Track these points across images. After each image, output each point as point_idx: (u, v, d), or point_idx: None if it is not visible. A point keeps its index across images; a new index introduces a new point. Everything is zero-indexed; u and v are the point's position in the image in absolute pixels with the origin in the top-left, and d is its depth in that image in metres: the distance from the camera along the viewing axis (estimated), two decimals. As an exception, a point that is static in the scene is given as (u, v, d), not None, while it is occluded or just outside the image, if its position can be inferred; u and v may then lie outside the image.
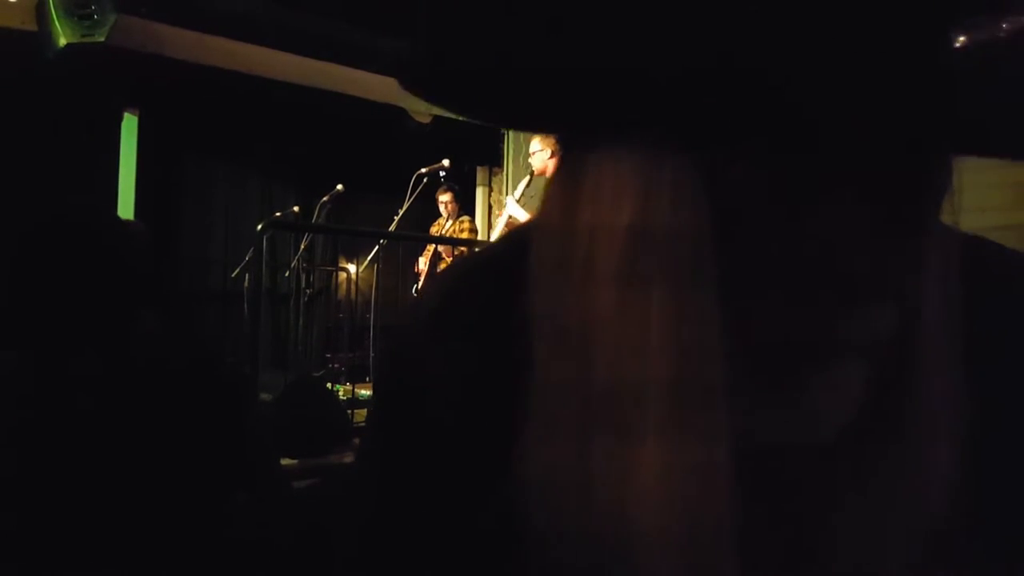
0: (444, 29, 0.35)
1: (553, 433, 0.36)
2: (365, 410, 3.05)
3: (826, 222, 0.33)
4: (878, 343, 0.36)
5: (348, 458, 3.10)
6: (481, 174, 7.18)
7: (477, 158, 6.86)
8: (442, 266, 4.83)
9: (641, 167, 0.34)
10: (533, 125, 0.40)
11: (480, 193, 7.16)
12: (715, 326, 0.34)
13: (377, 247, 4.75)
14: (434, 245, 5.03)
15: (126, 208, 5.16)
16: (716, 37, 0.29)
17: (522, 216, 4.18)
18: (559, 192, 0.38)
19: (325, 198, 5.03)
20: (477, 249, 0.52)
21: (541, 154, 4.03)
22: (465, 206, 5.52)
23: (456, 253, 4.73)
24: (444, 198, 5.12)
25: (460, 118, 0.39)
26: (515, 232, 0.48)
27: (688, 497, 0.34)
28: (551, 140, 3.76)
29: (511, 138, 5.45)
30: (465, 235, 4.96)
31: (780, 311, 0.35)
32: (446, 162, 4.95)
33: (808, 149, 0.32)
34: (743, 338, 0.35)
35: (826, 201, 0.33)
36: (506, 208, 4.44)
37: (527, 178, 4.27)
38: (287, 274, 6.30)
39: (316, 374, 4.74)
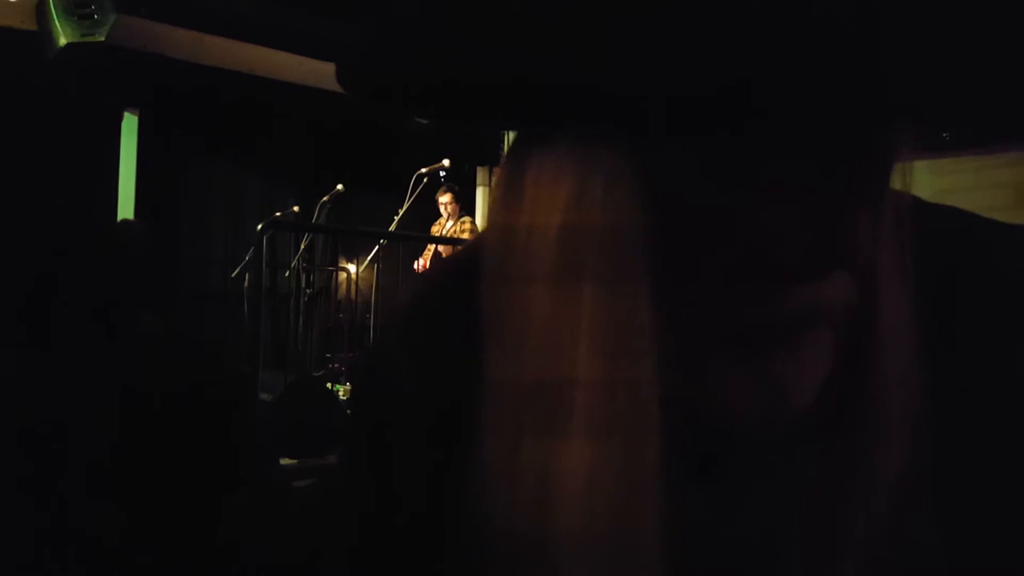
0: (385, 27, 0.35)
1: (490, 431, 0.36)
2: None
3: (760, 204, 0.33)
4: (834, 317, 0.35)
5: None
6: (481, 174, 7.17)
7: (477, 158, 6.86)
8: (442, 266, 4.82)
9: (575, 164, 0.34)
10: (467, 119, 0.40)
11: (480, 193, 7.16)
12: (646, 323, 0.34)
13: (377, 247, 4.75)
14: (434, 246, 5.03)
15: (126, 208, 5.16)
16: (644, 33, 0.29)
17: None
18: (503, 190, 0.39)
19: (325, 198, 5.03)
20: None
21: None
22: (465, 206, 5.52)
23: (456, 253, 4.73)
24: (444, 199, 5.12)
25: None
26: (477, 239, 0.48)
27: (613, 496, 0.34)
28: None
29: (511, 138, 5.44)
30: (467, 235, 4.96)
31: (723, 294, 0.34)
32: (446, 162, 4.95)
33: (737, 135, 0.32)
34: (689, 323, 0.34)
35: (760, 184, 0.33)
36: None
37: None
38: (287, 274, 6.30)
39: (316, 374, 4.74)
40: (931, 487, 0.36)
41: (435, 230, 5.19)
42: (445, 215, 5.13)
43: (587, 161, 0.34)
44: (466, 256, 0.48)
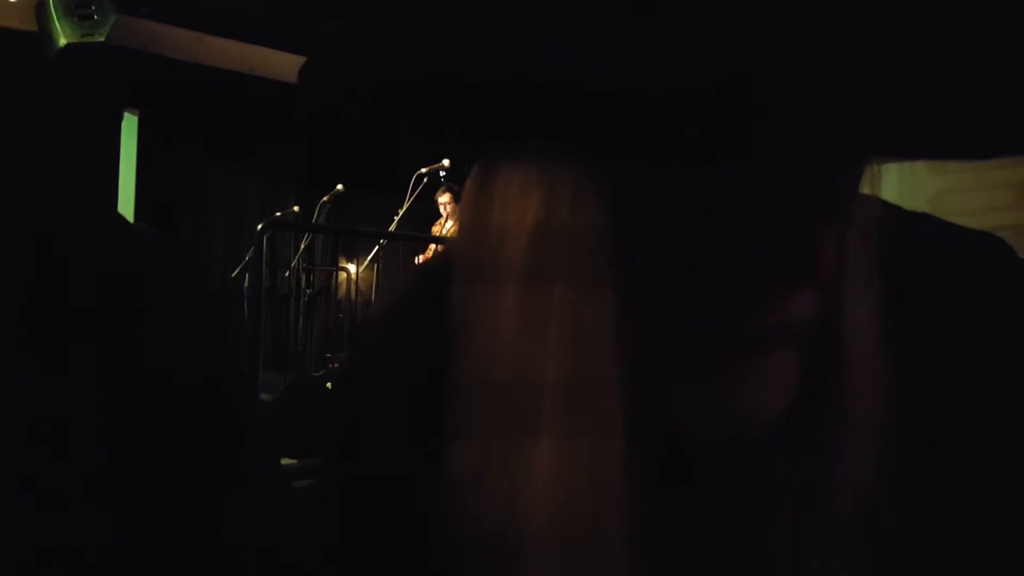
0: (358, 33, 0.35)
1: (460, 433, 0.37)
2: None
3: (726, 218, 0.32)
4: (801, 331, 0.35)
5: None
6: (481, 174, 7.16)
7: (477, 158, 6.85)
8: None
9: (545, 170, 0.35)
10: (435, 130, 0.39)
11: (480, 193, 7.14)
12: (611, 324, 0.34)
13: (377, 247, 4.75)
14: (434, 245, 5.03)
15: (126, 208, 5.16)
16: (611, 48, 0.28)
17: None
18: (473, 195, 0.39)
19: (325, 198, 5.03)
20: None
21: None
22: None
23: (456, 253, 4.72)
24: (444, 199, 5.11)
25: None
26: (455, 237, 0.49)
27: (580, 494, 0.34)
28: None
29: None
30: (466, 235, 4.96)
31: (688, 307, 0.34)
32: (446, 162, 4.94)
33: (703, 154, 0.31)
34: (655, 334, 0.34)
35: (724, 201, 0.32)
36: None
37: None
38: (287, 274, 6.30)
39: (316, 374, 4.74)
40: (897, 494, 0.36)
41: (435, 230, 5.19)
42: (445, 215, 5.13)
43: (553, 177, 0.34)
44: (443, 260, 0.48)
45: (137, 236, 1.33)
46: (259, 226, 3.39)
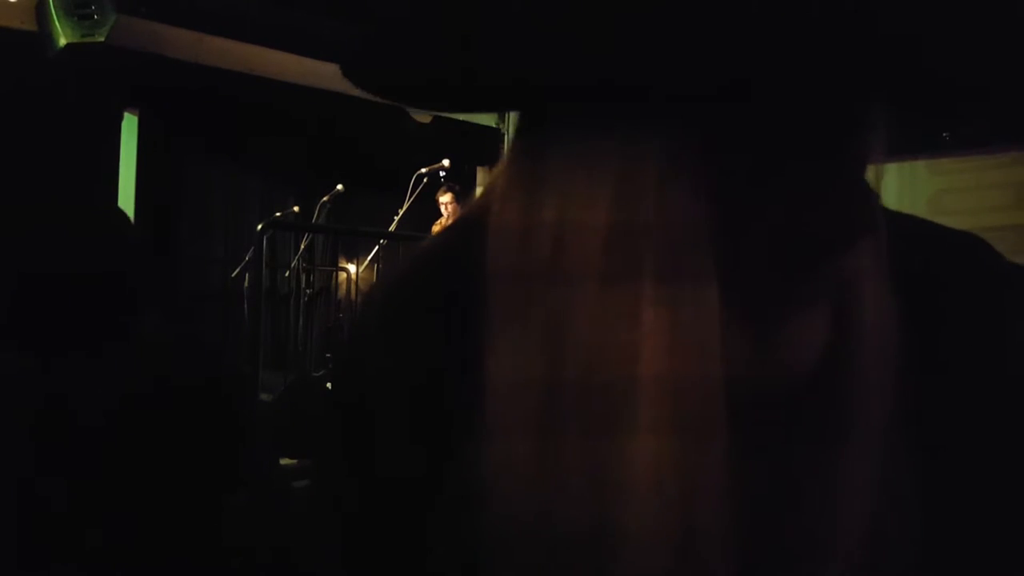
0: (397, 9, 0.34)
1: (514, 431, 0.35)
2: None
3: (791, 191, 0.34)
4: (836, 292, 0.38)
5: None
6: (481, 174, 7.16)
7: (477, 158, 6.86)
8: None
9: (616, 156, 0.33)
10: (493, 104, 0.38)
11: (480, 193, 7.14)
12: (714, 320, 0.33)
13: (377, 247, 4.75)
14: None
15: (126, 208, 5.15)
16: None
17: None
18: (515, 186, 0.37)
19: (325, 198, 5.03)
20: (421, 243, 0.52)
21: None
22: (465, 206, 5.51)
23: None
24: (444, 199, 5.11)
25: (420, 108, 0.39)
26: (458, 224, 0.47)
27: (684, 495, 0.33)
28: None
29: (511, 138, 5.45)
30: (466, 235, 4.95)
31: (763, 273, 0.36)
32: (446, 162, 4.94)
33: (775, 126, 0.32)
34: (743, 309, 0.36)
35: (790, 173, 0.34)
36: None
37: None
38: (287, 274, 6.30)
39: (316, 374, 4.74)
40: (909, 436, 0.38)
41: (435, 230, 5.18)
42: (445, 215, 5.13)
43: (630, 158, 0.33)
44: (440, 249, 0.47)
45: (124, 220, 1.33)
46: (259, 226, 3.39)
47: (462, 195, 5.31)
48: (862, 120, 0.34)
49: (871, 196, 0.36)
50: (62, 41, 4.22)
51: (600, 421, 0.34)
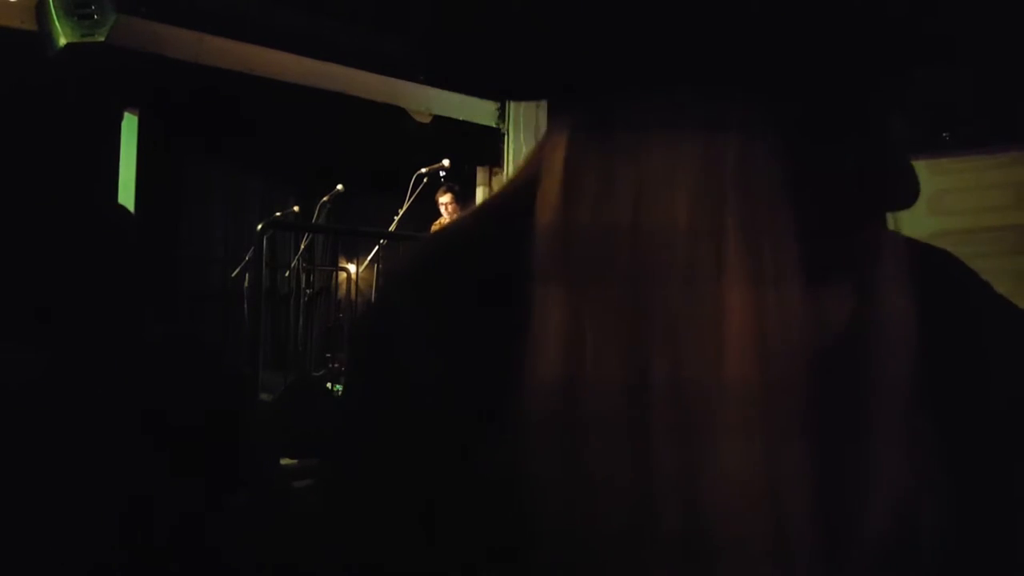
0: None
1: (585, 431, 0.34)
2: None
3: (838, 162, 0.36)
4: (860, 263, 0.39)
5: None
6: (481, 174, 7.17)
7: (477, 158, 6.86)
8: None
9: (696, 153, 0.33)
10: (568, 84, 0.37)
11: (480, 193, 7.14)
12: (796, 323, 0.34)
13: (377, 247, 4.75)
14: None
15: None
16: None
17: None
18: (566, 187, 0.36)
19: (325, 198, 5.03)
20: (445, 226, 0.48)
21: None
22: (465, 206, 5.51)
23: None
24: (444, 199, 5.11)
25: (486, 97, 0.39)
26: (490, 208, 0.45)
27: (776, 497, 0.33)
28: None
29: (511, 138, 5.45)
30: (465, 235, 4.95)
31: (796, 239, 0.35)
32: (446, 162, 4.94)
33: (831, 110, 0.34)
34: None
35: (835, 148, 0.35)
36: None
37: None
38: (287, 274, 6.30)
39: (316, 374, 4.74)
40: (928, 395, 0.39)
41: (435, 230, 5.19)
42: (445, 215, 5.13)
43: (712, 153, 0.33)
44: (473, 233, 0.44)
45: (123, 215, 1.33)
46: (259, 226, 3.39)
47: (462, 195, 5.31)
48: (892, 101, 0.36)
49: (898, 177, 0.38)
50: (62, 41, 4.22)
51: (690, 423, 0.33)
